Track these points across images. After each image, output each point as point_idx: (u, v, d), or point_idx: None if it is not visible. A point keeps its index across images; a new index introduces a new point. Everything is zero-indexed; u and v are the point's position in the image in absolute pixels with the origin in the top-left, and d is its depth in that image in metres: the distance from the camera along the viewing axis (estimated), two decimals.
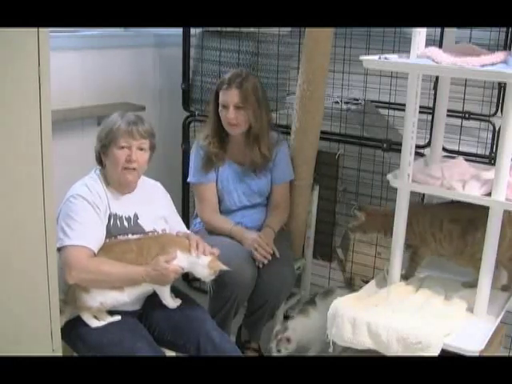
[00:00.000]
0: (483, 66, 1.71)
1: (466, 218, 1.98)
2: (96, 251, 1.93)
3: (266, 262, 2.35)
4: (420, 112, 1.97)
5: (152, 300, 2.04)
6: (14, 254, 1.52)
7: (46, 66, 1.46)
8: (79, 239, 1.90)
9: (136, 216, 2.07)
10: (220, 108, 2.44)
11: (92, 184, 2.02)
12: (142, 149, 2.03)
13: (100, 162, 2.08)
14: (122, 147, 2.00)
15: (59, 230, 1.92)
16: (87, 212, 1.95)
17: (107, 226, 1.99)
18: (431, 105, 2.25)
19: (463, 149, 2.67)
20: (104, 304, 1.93)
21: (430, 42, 1.89)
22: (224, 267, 2.05)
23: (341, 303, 1.91)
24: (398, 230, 2.00)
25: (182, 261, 1.98)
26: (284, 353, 2.33)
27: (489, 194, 1.84)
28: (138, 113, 2.67)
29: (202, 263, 2.01)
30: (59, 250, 1.90)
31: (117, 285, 1.94)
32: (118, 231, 2.01)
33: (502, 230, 1.88)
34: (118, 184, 2.06)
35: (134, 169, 2.03)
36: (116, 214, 2.02)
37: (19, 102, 1.45)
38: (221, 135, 2.50)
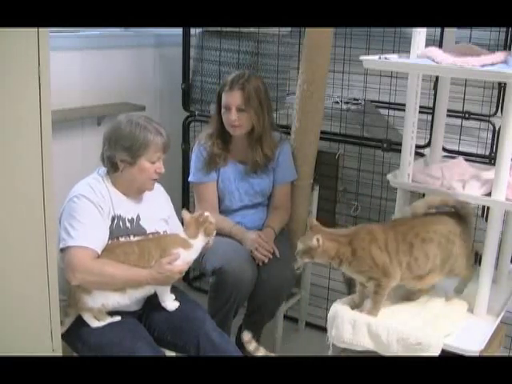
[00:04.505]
0: (483, 65, 1.71)
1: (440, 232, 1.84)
2: (99, 252, 1.93)
3: (266, 260, 2.35)
4: (420, 112, 1.97)
5: (152, 301, 2.04)
6: (14, 253, 1.52)
7: (45, 66, 1.46)
8: (83, 240, 1.89)
9: (138, 217, 2.06)
10: (222, 110, 2.44)
11: (95, 184, 2.01)
12: (162, 159, 2.06)
13: (112, 165, 2.03)
14: (154, 162, 2.02)
15: (62, 230, 1.92)
16: (91, 212, 1.94)
17: (110, 227, 1.99)
18: (431, 105, 2.25)
19: (463, 149, 2.67)
20: (105, 305, 1.93)
21: (430, 42, 1.90)
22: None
23: (341, 304, 1.91)
24: None
25: (186, 258, 1.98)
26: None
27: (489, 194, 1.84)
28: (140, 113, 2.69)
29: (202, 247, 2.04)
30: (62, 250, 1.89)
31: (120, 287, 1.94)
32: (120, 232, 2.01)
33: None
34: (136, 191, 2.07)
35: (158, 178, 2.07)
36: (120, 216, 2.02)
37: (19, 102, 1.45)
38: (224, 136, 2.50)
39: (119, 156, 2.00)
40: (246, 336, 1.93)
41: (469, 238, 1.92)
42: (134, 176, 2.02)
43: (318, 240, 1.78)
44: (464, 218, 1.90)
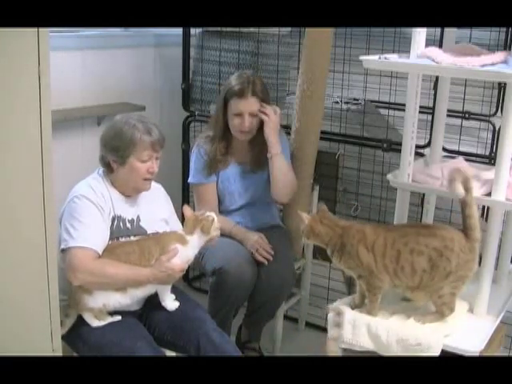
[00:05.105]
0: (483, 65, 1.71)
1: (432, 247, 1.76)
2: (100, 252, 1.93)
3: (266, 263, 2.35)
4: (420, 112, 1.97)
5: (152, 300, 2.04)
6: (14, 253, 1.52)
7: (45, 66, 1.46)
8: (84, 240, 1.89)
9: (138, 218, 2.06)
10: (231, 115, 2.42)
11: (96, 185, 2.01)
12: (157, 158, 2.05)
13: (107, 166, 2.04)
14: (144, 161, 2.00)
15: (63, 230, 1.92)
16: (92, 213, 1.94)
17: (110, 228, 1.99)
18: (431, 105, 2.25)
19: (463, 149, 2.68)
20: (106, 305, 1.93)
21: (430, 42, 1.90)
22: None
23: (341, 304, 1.91)
24: None
25: (183, 254, 1.98)
26: None
27: (489, 194, 1.84)
28: (138, 113, 2.69)
29: (200, 245, 2.03)
30: (63, 251, 1.89)
31: (121, 287, 1.94)
32: (121, 233, 2.01)
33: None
34: (132, 190, 2.06)
35: (151, 178, 2.05)
36: (120, 216, 2.02)
37: (19, 102, 1.45)
38: (227, 140, 2.49)
39: (110, 156, 2.00)
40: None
41: (470, 264, 1.77)
42: (127, 176, 2.02)
43: (306, 219, 1.87)
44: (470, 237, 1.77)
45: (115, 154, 1.99)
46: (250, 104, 2.38)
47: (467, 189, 1.76)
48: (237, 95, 2.39)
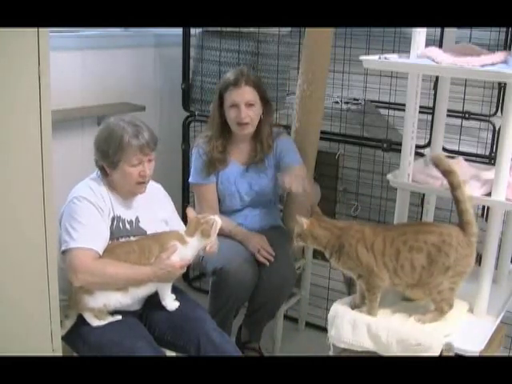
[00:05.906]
0: (483, 65, 1.71)
1: (430, 243, 1.76)
2: (101, 253, 1.93)
3: (267, 264, 2.35)
4: (420, 112, 1.97)
5: (152, 300, 2.04)
6: (14, 254, 1.52)
7: (45, 66, 1.46)
8: (84, 241, 1.89)
9: (137, 219, 2.06)
10: (227, 109, 2.41)
11: (95, 186, 2.01)
12: (150, 160, 2.03)
13: (101, 169, 2.03)
14: (135, 165, 1.99)
15: (63, 231, 1.92)
16: (91, 214, 1.95)
17: (110, 228, 1.99)
18: (431, 105, 2.25)
19: (463, 149, 2.68)
20: (107, 305, 1.93)
21: (430, 42, 1.90)
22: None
23: (341, 304, 1.91)
24: None
25: (182, 253, 1.99)
26: None
27: (489, 194, 1.84)
28: (138, 113, 2.69)
29: (199, 247, 2.03)
30: (64, 252, 1.89)
31: (122, 286, 1.94)
32: (120, 234, 2.01)
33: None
34: (128, 193, 2.06)
35: (145, 181, 2.04)
36: (119, 217, 2.02)
37: (19, 103, 1.45)
38: (225, 138, 2.48)
39: (102, 161, 2.00)
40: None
41: (468, 259, 1.78)
42: (120, 180, 2.01)
43: (305, 223, 1.85)
44: (466, 230, 1.77)
45: (106, 160, 1.99)
46: (245, 93, 2.38)
47: (457, 185, 1.76)
48: (231, 85, 2.39)
